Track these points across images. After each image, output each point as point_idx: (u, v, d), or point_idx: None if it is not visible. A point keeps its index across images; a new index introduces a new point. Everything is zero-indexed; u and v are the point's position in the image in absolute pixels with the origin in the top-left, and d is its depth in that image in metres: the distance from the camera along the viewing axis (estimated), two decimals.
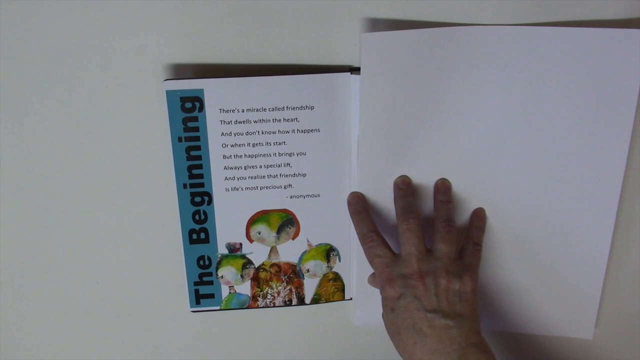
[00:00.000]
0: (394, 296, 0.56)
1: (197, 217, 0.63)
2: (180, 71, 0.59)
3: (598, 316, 0.67)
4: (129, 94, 0.60)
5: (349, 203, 0.63)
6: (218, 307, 0.67)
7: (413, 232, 0.57)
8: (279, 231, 0.64)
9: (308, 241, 0.65)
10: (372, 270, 0.63)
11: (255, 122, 0.59)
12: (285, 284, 0.66)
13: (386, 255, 0.58)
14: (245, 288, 0.66)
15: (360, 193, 0.62)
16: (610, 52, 0.56)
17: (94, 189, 0.64)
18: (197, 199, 0.62)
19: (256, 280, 0.66)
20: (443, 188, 0.61)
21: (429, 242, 0.59)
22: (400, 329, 0.55)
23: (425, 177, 0.62)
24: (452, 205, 0.61)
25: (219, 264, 0.65)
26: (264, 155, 0.61)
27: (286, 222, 0.64)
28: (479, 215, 0.62)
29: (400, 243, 0.58)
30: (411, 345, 0.55)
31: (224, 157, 0.61)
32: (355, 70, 0.58)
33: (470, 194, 0.62)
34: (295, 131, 0.60)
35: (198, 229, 0.64)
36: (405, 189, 0.61)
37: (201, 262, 0.65)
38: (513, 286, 0.66)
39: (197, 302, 0.67)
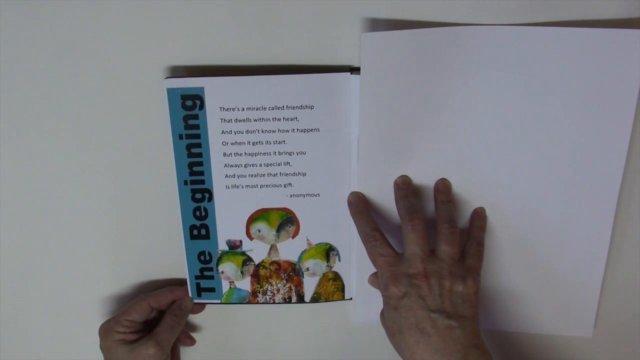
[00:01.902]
0: (398, 295, 0.56)
1: (197, 213, 0.63)
2: (181, 72, 0.60)
3: (597, 315, 0.67)
4: (130, 92, 0.61)
5: (350, 203, 0.63)
6: (219, 301, 0.68)
7: (418, 232, 0.57)
8: (278, 229, 0.64)
9: (308, 240, 0.65)
10: (372, 270, 0.64)
11: (255, 120, 0.60)
12: (284, 281, 0.66)
13: (389, 254, 0.58)
14: (245, 284, 0.67)
15: (360, 193, 0.62)
16: (610, 52, 0.55)
17: (96, 186, 0.65)
18: (198, 196, 0.63)
19: (256, 277, 0.66)
20: (444, 188, 0.61)
21: (431, 242, 0.59)
22: (403, 327, 0.55)
23: (425, 177, 0.62)
24: (453, 206, 0.61)
25: (219, 260, 0.66)
26: (264, 153, 0.61)
27: (286, 221, 0.64)
28: (479, 215, 0.62)
29: (405, 243, 0.58)
30: (414, 344, 0.54)
31: (224, 154, 0.61)
32: (355, 70, 0.58)
33: (470, 194, 0.62)
34: (295, 130, 0.60)
35: (199, 225, 0.64)
36: (406, 189, 0.61)
37: (202, 258, 0.65)
38: (512, 286, 0.66)
39: (199, 295, 0.67)
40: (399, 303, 0.56)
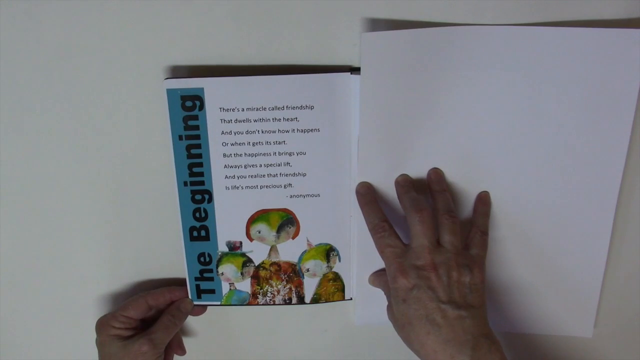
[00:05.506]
0: (407, 287, 0.56)
1: (197, 214, 0.63)
2: (181, 73, 0.59)
3: (597, 315, 0.67)
4: (130, 93, 0.61)
5: (359, 193, 0.62)
6: (219, 303, 0.67)
7: (426, 224, 0.57)
8: (279, 230, 0.64)
9: (308, 241, 0.65)
10: (372, 270, 0.64)
11: (255, 121, 0.59)
12: (285, 282, 0.66)
13: (397, 246, 0.58)
14: (245, 285, 0.67)
15: (369, 183, 0.62)
16: (610, 52, 0.56)
17: (96, 187, 0.65)
18: (198, 197, 0.62)
19: (256, 278, 0.66)
20: (436, 177, 0.61)
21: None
22: (412, 319, 0.55)
23: (425, 177, 0.62)
24: (449, 194, 0.61)
25: (219, 262, 0.65)
26: (264, 154, 0.61)
27: (286, 222, 0.64)
28: (483, 200, 0.62)
29: (412, 235, 0.58)
30: (424, 335, 0.55)
31: (224, 155, 0.61)
32: (355, 70, 0.58)
33: (471, 193, 0.62)
34: (295, 131, 0.60)
35: (198, 226, 0.64)
36: (407, 185, 0.61)
37: (202, 259, 0.65)
38: (512, 286, 0.66)
39: (199, 297, 0.67)
40: (407, 295, 0.56)
